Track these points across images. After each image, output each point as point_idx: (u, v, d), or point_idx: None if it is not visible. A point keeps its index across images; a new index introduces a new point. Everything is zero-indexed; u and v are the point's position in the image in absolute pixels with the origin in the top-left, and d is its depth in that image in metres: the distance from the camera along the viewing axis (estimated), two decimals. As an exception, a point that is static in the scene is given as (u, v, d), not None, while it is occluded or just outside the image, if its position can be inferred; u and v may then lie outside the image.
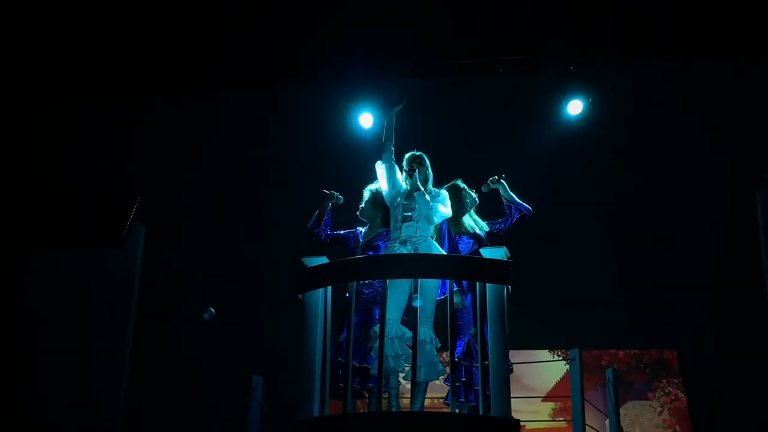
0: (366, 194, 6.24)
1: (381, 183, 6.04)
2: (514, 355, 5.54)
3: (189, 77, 8.85)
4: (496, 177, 6.22)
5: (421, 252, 5.68)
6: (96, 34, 8.29)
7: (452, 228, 6.14)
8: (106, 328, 5.05)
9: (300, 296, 5.33)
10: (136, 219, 5.25)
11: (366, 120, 8.83)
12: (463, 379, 5.74)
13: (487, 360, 5.04)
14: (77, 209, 5.12)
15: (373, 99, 8.60)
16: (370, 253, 6.02)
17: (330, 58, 8.64)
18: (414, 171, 5.91)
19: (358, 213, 6.26)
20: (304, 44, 8.51)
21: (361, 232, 6.28)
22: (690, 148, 9.16)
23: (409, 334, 5.49)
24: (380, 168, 6.02)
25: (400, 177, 6.01)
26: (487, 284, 5.10)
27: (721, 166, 8.90)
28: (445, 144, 8.53)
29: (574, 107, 8.80)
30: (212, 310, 6.71)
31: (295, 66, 8.78)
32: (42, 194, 5.28)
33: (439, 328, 5.66)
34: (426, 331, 5.54)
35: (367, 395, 5.89)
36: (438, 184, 6.13)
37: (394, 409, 5.59)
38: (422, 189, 5.86)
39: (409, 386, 5.24)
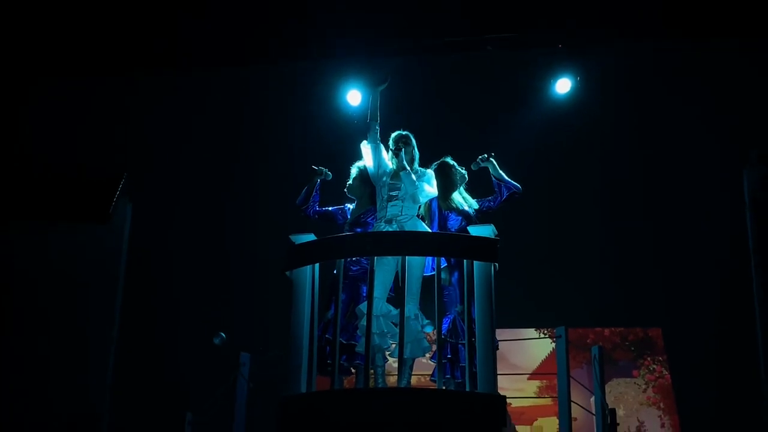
0: (354, 171, 6.23)
1: (367, 162, 6.04)
2: (500, 334, 5.56)
3: (176, 54, 8.80)
4: (486, 155, 6.22)
5: (406, 230, 5.69)
6: (81, 10, 8.22)
7: (442, 205, 6.15)
8: (92, 304, 5.03)
9: (288, 273, 5.33)
10: (123, 196, 5.22)
11: (354, 97, 8.81)
12: (449, 356, 5.77)
13: (474, 337, 5.06)
14: (63, 186, 5.09)
15: (362, 76, 8.57)
16: (359, 229, 6.03)
17: (318, 36, 8.60)
18: (400, 150, 5.91)
19: (345, 190, 6.25)
20: (292, 21, 8.47)
21: (349, 208, 6.27)
22: (677, 126, 9.18)
23: (394, 311, 5.50)
24: (365, 147, 6.03)
25: (386, 156, 6.01)
26: (474, 262, 5.11)
27: (708, 145, 8.92)
28: (433, 122, 8.54)
29: (563, 86, 8.80)
30: (223, 335, 6.72)
31: (283, 43, 8.74)
32: (27, 170, 5.24)
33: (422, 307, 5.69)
34: (411, 308, 5.55)
35: (354, 372, 5.92)
36: (427, 162, 6.13)
37: (380, 386, 5.61)
38: (408, 168, 5.86)
39: (396, 365, 5.25)
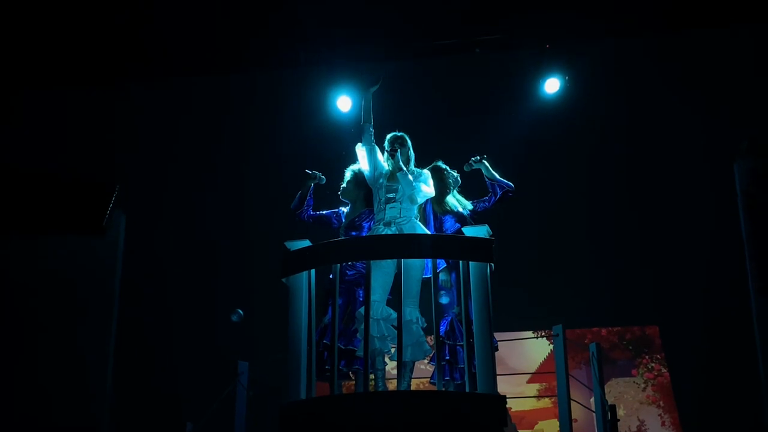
0: (347, 174, 6.22)
1: (362, 165, 6.02)
2: (498, 337, 5.55)
3: (162, 63, 8.79)
4: (478, 156, 6.25)
5: (405, 233, 5.68)
6: (72, 19, 8.21)
7: (436, 208, 6.17)
8: (88, 317, 5.00)
9: (284, 280, 5.32)
10: (116, 207, 5.17)
11: (344, 103, 8.80)
12: (448, 357, 5.77)
13: (472, 338, 5.05)
14: (55, 197, 5.05)
15: (351, 82, 8.57)
16: (354, 233, 6.02)
17: (307, 41, 8.60)
18: (396, 151, 5.90)
19: (339, 194, 6.24)
20: (281, 27, 8.47)
21: (344, 212, 6.26)
22: (668, 122, 9.21)
23: (394, 315, 5.48)
24: (361, 150, 6.02)
25: (381, 158, 6.00)
26: (470, 262, 5.11)
27: (699, 139, 8.94)
28: (424, 125, 8.53)
29: (552, 86, 8.81)
30: (240, 312, 6.67)
31: (272, 49, 8.74)
32: (19, 182, 5.20)
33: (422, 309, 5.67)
34: (412, 312, 5.54)
35: (353, 377, 5.90)
36: (419, 164, 6.13)
37: (380, 390, 5.60)
38: (405, 169, 5.86)
39: (395, 370, 5.23)
